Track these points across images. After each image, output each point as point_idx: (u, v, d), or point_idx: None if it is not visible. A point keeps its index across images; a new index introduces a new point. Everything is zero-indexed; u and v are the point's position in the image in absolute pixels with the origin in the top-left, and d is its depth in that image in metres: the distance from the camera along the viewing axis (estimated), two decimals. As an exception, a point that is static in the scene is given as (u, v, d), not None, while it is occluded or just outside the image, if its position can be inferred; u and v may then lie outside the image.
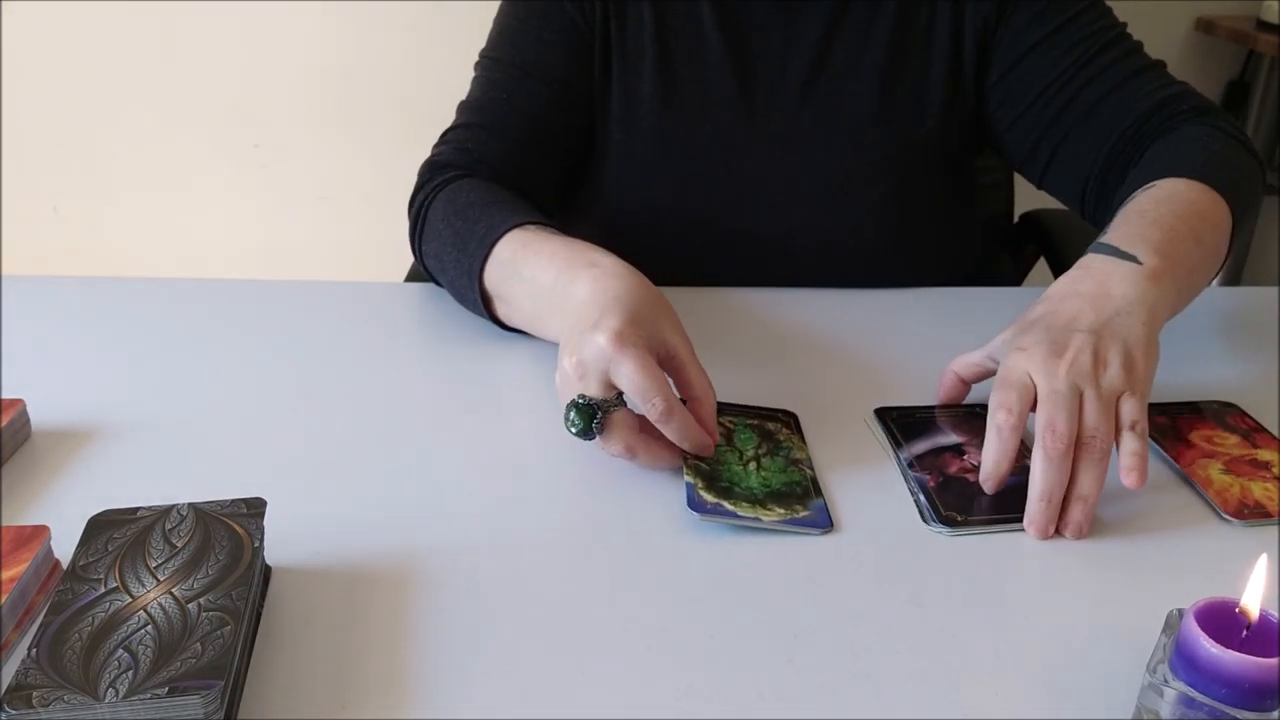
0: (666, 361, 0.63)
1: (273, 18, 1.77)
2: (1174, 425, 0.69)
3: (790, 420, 0.69)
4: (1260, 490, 0.62)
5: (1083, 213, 0.91)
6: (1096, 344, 0.61)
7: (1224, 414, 0.70)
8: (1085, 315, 0.64)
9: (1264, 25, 1.79)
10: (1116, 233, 0.70)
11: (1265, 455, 0.65)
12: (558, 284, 0.69)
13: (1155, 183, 0.76)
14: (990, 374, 0.68)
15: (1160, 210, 0.72)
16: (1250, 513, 0.60)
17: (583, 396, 0.60)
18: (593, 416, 0.60)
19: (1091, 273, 0.67)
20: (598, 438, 0.61)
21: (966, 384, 0.71)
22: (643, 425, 0.62)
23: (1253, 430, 0.68)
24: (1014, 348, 0.63)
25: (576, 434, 0.60)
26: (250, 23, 1.77)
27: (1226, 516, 0.60)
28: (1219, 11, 1.88)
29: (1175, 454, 0.66)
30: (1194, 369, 0.78)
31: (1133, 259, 0.67)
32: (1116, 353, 0.61)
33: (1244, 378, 0.77)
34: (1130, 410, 0.59)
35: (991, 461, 0.60)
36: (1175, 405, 0.71)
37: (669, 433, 0.61)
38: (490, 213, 0.79)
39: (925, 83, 0.92)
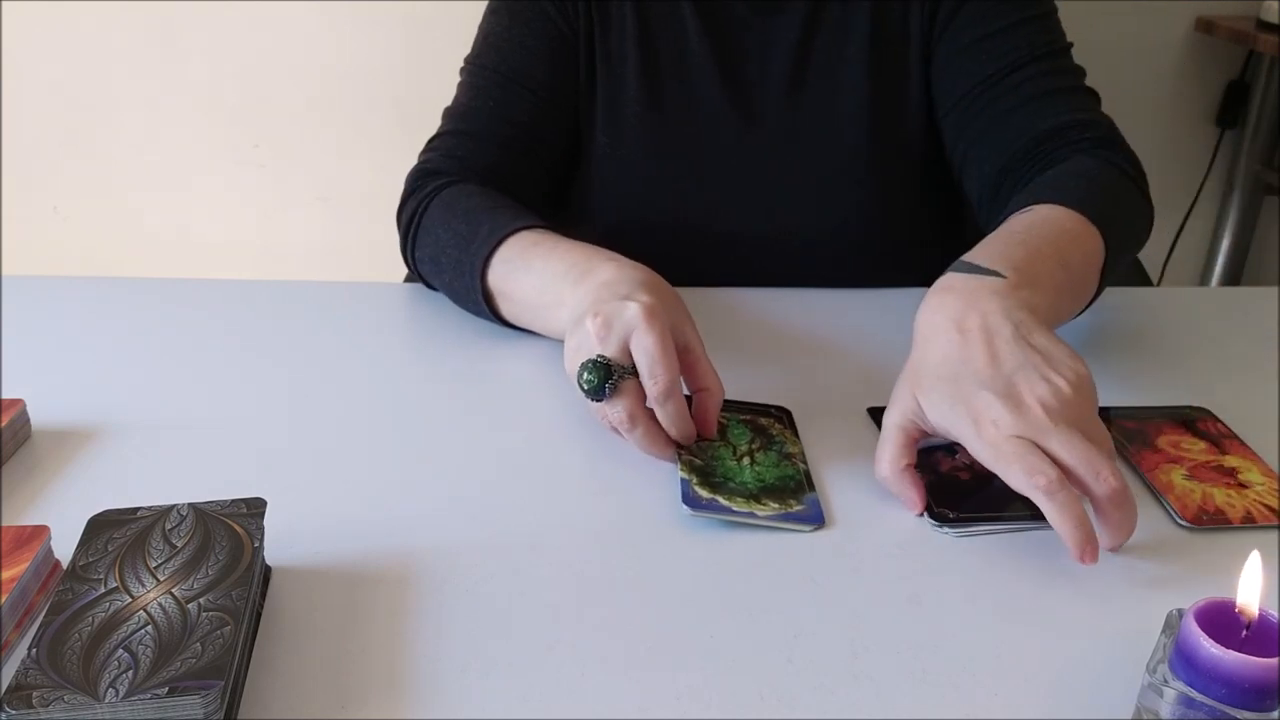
0: (681, 354, 0.64)
1: (273, 18, 1.77)
2: (1143, 430, 0.69)
3: (783, 415, 0.70)
4: (1222, 497, 0.61)
5: (979, 220, 0.90)
6: (1041, 374, 0.57)
7: (1195, 419, 0.70)
8: (995, 350, 0.59)
9: (1264, 25, 1.78)
10: (980, 252, 0.67)
11: (1232, 462, 0.65)
12: (573, 271, 0.71)
13: (1032, 208, 0.75)
14: (918, 439, 0.62)
15: (1030, 233, 0.70)
16: (1209, 519, 0.59)
17: (601, 357, 0.61)
18: (608, 377, 0.61)
19: (957, 294, 0.63)
20: (603, 401, 0.61)
21: (914, 467, 0.62)
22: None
23: (1222, 436, 0.68)
24: (973, 420, 0.57)
25: (588, 391, 0.61)
26: (250, 23, 1.77)
27: (1183, 522, 0.59)
28: (1219, 11, 1.87)
29: (1139, 459, 0.65)
30: (1181, 371, 0.78)
31: (995, 274, 0.64)
32: (1057, 379, 0.57)
33: (1234, 381, 0.77)
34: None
35: (1074, 528, 0.54)
36: (1146, 410, 0.71)
37: (663, 414, 0.62)
38: (494, 216, 0.80)
39: (906, 79, 0.92)
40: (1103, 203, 0.76)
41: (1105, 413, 0.70)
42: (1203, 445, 0.67)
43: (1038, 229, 0.71)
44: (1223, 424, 0.69)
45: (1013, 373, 0.58)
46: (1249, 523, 0.59)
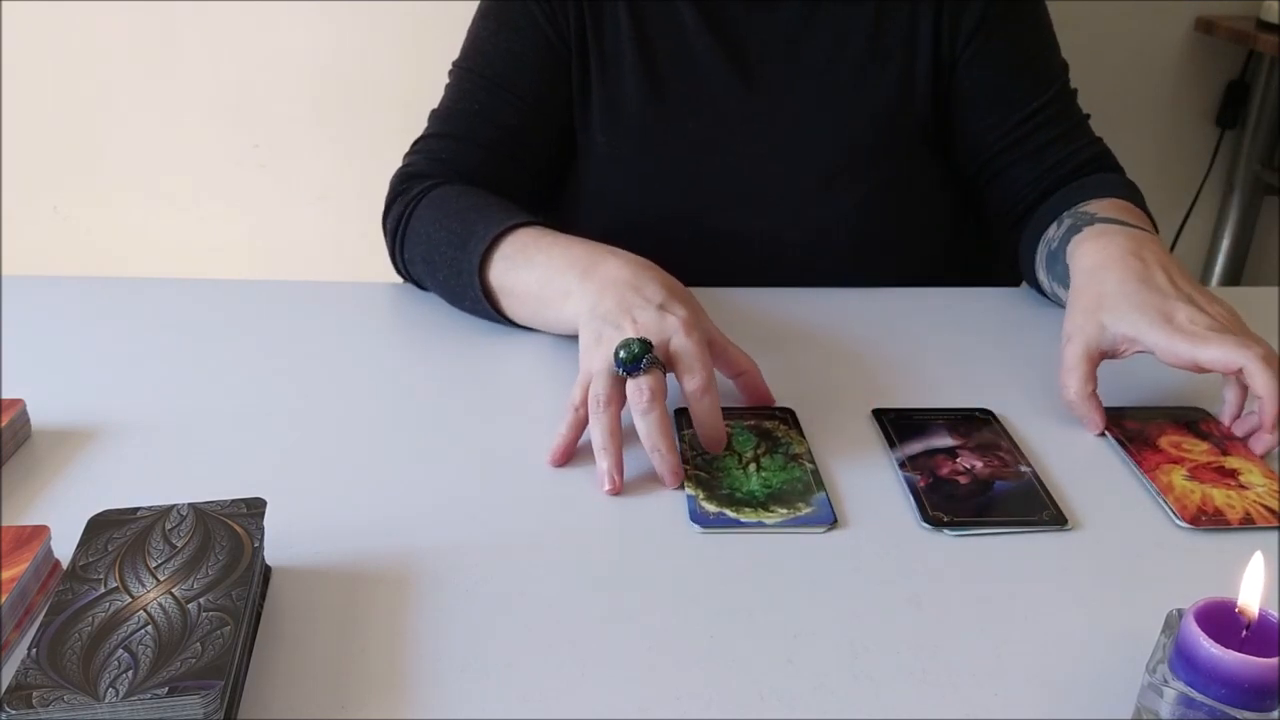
0: (708, 347, 0.67)
1: (273, 18, 1.77)
2: (1144, 430, 0.69)
3: (787, 416, 0.70)
4: (1222, 498, 0.61)
5: (1005, 226, 0.97)
6: (1210, 299, 0.69)
7: (1197, 421, 0.70)
8: (1172, 276, 0.70)
9: (1264, 25, 1.78)
10: (1112, 213, 0.80)
11: (1234, 463, 0.65)
12: (578, 264, 0.72)
13: (1109, 199, 0.85)
14: (1098, 363, 0.70)
15: (1137, 216, 0.82)
16: (1208, 520, 0.59)
17: (646, 339, 0.64)
18: (647, 351, 0.63)
19: (1123, 236, 0.75)
20: (634, 375, 0.63)
21: (1095, 391, 0.70)
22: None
23: (1225, 438, 0.68)
24: (1165, 318, 0.66)
25: (624, 359, 0.63)
26: (250, 23, 1.77)
27: (1182, 522, 0.59)
28: (1219, 11, 1.87)
29: (1140, 458, 0.65)
30: (1181, 371, 0.78)
31: (1143, 229, 0.77)
32: (1221, 307, 0.69)
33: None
34: None
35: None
36: (1149, 410, 0.71)
37: (700, 409, 0.63)
38: (488, 214, 0.80)
39: (911, 73, 0.93)
40: (1146, 209, 0.88)
41: (1109, 412, 0.70)
42: (1205, 446, 0.67)
43: (1137, 215, 0.83)
44: (1225, 425, 0.69)
45: (1190, 294, 0.69)
46: (1248, 524, 0.59)
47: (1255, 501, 0.61)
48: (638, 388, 0.62)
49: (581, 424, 0.64)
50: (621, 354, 0.63)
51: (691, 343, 0.64)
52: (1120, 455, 0.66)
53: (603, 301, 0.68)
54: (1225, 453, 0.66)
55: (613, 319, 0.66)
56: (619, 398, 0.63)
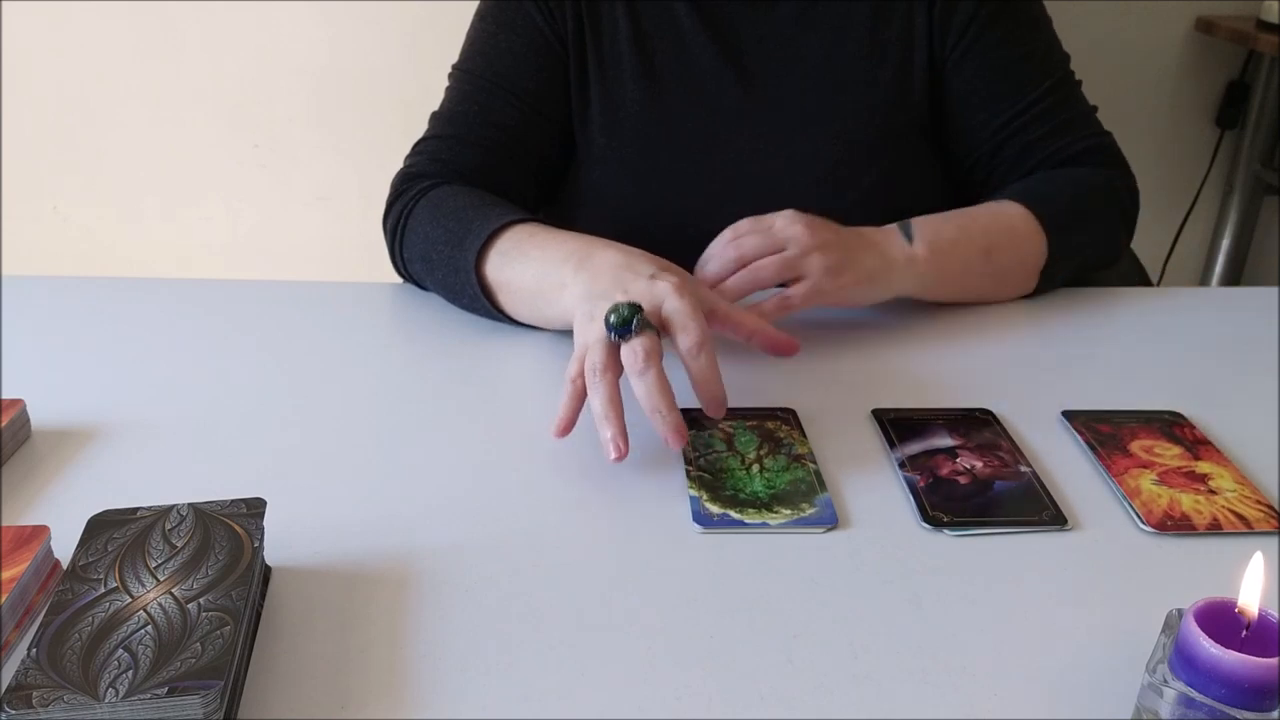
0: (711, 316, 0.68)
1: (273, 19, 1.77)
2: (1117, 434, 0.68)
3: (789, 416, 0.70)
4: (1190, 503, 0.61)
5: None
6: (840, 261, 0.76)
7: (1172, 424, 0.70)
8: (858, 250, 0.78)
9: (1264, 25, 1.78)
10: (924, 218, 0.83)
11: (1204, 468, 0.64)
12: (574, 257, 0.73)
13: (1000, 202, 0.87)
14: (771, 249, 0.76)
15: (973, 218, 0.85)
16: (1174, 525, 0.59)
17: (635, 303, 0.64)
18: (637, 311, 0.63)
19: (876, 230, 0.81)
20: (627, 340, 0.62)
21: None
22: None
23: (1197, 443, 0.67)
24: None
25: (615, 324, 0.63)
26: (250, 23, 1.77)
27: (1147, 527, 0.59)
28: (1219, 11, 1.87)
29: (1109, 462, 0.65)
30: (1180, 371, 0.78)
31: (909, 239, 0.81)
32: (849, 270, 0.77)
33: (1233, 381, 0.77)
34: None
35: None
36: (1122, 414, 0.71)
37: (697, 367, 0.63)
38: (485, 212, 0.81)
39: (909, 70, 0.93)
40: (1066, 212, 0.87)
41: (1084, 416, 0.70)
42: (1176, 451, 0.66)
43: (984, 219, 0.86)
44: (1198, 430, 0.69)
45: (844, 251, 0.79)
46: (1214, 529, 0.59)
47: (1224, 507, 0.61)
48: (632, 350, 0.62)
49: (580, 394, 0.63)
50: (612, 319, 0.63)
51: (684, 303, 0.64)
52: (1090, 458, 0.66)
53: (596, 285, 0.69)
54: (1197, 457, 0.66)
55: (606, 295, 0.67)
56: (615, 365, 0.63)
